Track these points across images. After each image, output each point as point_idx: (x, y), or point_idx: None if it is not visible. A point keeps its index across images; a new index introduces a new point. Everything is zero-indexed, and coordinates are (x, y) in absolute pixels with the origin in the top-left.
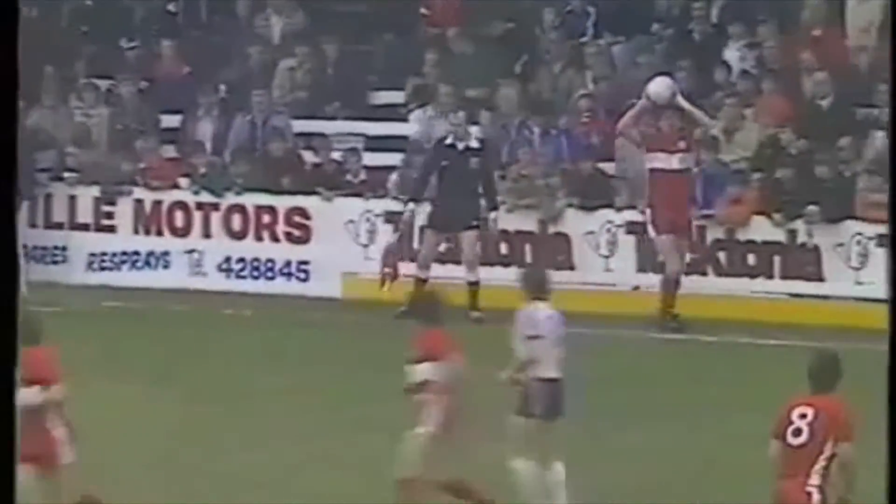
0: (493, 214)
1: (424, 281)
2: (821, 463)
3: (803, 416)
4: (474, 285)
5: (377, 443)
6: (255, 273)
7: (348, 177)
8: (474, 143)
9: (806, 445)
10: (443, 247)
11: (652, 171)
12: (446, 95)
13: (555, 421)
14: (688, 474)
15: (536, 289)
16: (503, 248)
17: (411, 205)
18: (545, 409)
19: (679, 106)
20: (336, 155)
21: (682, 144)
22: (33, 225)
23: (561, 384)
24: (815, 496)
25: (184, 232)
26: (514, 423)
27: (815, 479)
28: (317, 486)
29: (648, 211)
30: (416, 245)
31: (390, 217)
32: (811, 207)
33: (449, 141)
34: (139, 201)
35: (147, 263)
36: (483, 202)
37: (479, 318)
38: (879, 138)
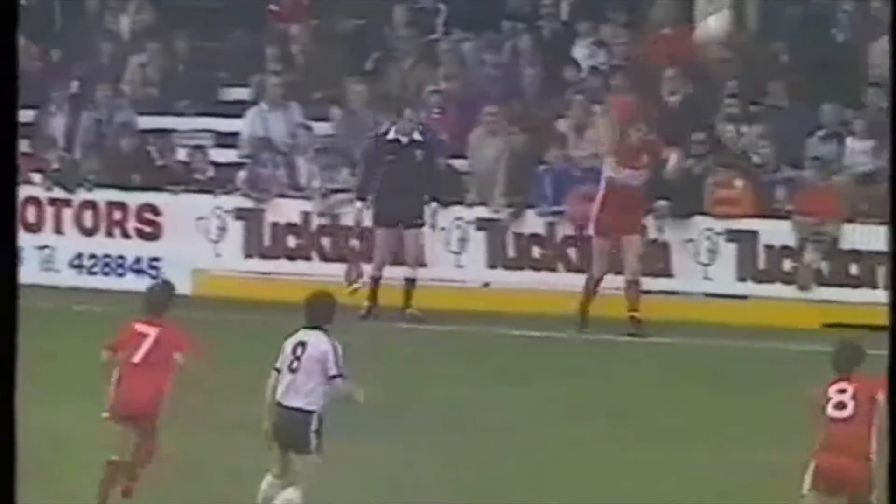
0: (434, 205)
1: (378, 280)
2: (873, 439)
3: (842, 391)
4: (412, 283)
5: (218, 440)
6: (107, 269)
7: (196, 174)
8: (417, 137)
9: (854, 417)
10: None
11: (608, 178)
12: (274, 87)
13: (283, 448)
14: (550, 474)
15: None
16: (357, 245)
17: (359, 203)
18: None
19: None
20: (185, 151)
21: (644, 160)
22: None
23: (298, 415)
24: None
25: (36, 227)
26: None
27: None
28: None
29: (595, 212)
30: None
31: (240, 213)
32: (661, 203)
33: (392, 136)
34: None
35: None
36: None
37: (413, 315)
38: (729, 133)
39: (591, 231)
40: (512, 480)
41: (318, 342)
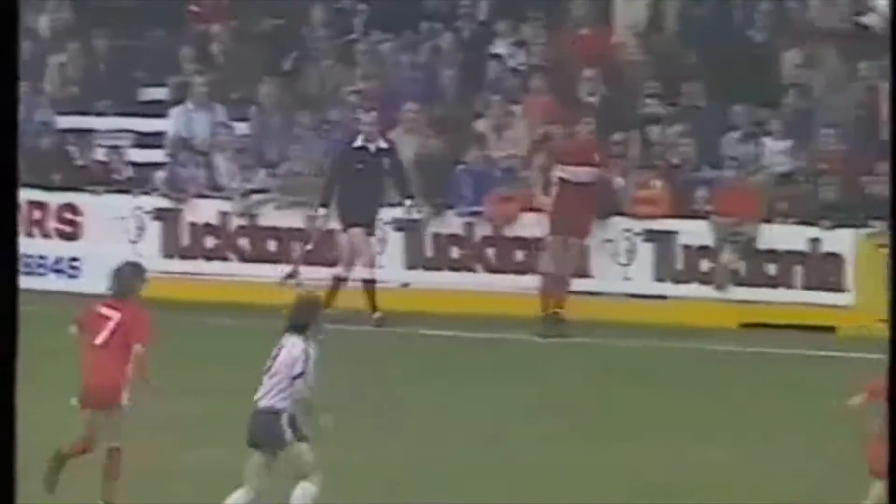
0: (408, 202)
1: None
2: None
3: None
4: (371, 284)
5: (160, 439)
6: (27, 269)
7: (114, 175)
8: (383, 144)
9: None
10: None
11: (561, 180)
12: (199, 86)
13: (264, 451)
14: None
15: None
16: (272, 246)
17: (322, 210)
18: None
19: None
20: (103, 151)
21: (595, 157)
22: None
23: (269, 414)
24: None
25: None
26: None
27: None
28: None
29: (549, 215)
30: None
31: (159, 214)
32: None
33: (359, 144)
34: None
35: None
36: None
37: (379, 318)
38: (648, 134)
39: (546, 231)
40: (434, 478)
41: (292, 346)
